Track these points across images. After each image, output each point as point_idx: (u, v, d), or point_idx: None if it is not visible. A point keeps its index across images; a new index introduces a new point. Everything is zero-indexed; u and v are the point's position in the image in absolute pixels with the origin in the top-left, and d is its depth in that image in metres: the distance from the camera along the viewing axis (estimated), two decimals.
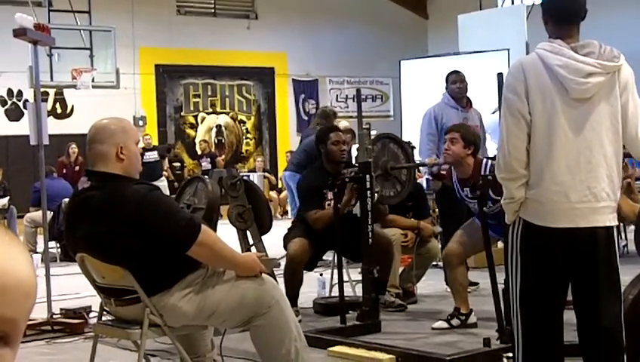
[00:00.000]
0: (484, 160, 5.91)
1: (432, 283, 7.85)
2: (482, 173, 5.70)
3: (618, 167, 3.48)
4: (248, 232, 6.60)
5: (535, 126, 3.41)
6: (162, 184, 16.45)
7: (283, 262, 6.48)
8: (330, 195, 6.53)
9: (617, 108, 3.43)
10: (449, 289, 7.59)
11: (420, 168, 9.89)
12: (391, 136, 6.65)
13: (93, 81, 15.29)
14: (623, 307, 3.56)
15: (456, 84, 7.76)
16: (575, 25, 3.48)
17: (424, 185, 9.72)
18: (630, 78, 3.48)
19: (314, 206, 6.57)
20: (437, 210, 8.37)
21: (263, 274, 3.94)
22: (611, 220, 3.46)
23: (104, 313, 4.15)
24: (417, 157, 8.64)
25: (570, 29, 3.46)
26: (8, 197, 14.26)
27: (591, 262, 3.45)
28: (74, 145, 15.81)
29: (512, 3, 17.28)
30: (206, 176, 6.60)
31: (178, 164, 18.88)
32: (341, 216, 6.25)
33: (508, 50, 13.89)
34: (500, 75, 5.01)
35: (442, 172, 6.18)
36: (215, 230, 5.30)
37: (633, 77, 3.51)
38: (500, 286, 4.95)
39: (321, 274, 7.55)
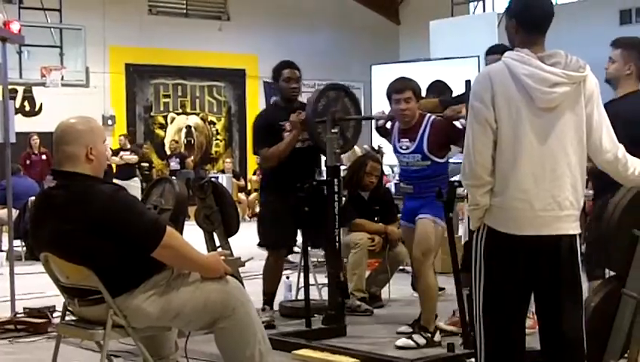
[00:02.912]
0: (427, 114, 5.84)
1: (399, 288, 7.87)
2: (423, 126, 5.74)
3: (582, 176, 3.51)
4: (215, 234, 6.59)
5: (501, 134, 3.44)
6: (136, 184, 16.37)
7: (248, 264, 6.47)
8: (288, 125, 6.45)
9: (582, 118, 3.46)
10: (415, 294, 7.63)
11: (387, 172, 9.93)
12: (346, 90, 6.58)
13: (62, 79, 15.21)
14: (584, 315, 3.60)
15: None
16: (542, 34, 3.51)
17: (392, 189, 9.76)
18: (595, 88, 3.52)
19: (267, 143, 6.49)
20: None
21: (229, 277, 3.95)
22: (574, 228, 3.50)
23: (68, 313, 4.12)
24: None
25: (538, 38, 3.49)
26: None
27: (554, 269, 3.48)
28: (35, 136, 15.67)
29: (484, 10, 17.40)
30: (174, 178, 6.59)
31: (146, 165, 18.72)
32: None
33: (478, 57, 13.97)
34: (467, 81, 5.06)
35: (387, 127, 6.18)
36: (182, 231, 5.30)
37: (598, 87, 3.56)
38: (465, 292, 4.98)
39: (287, 277, 7.55)
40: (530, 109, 3.42)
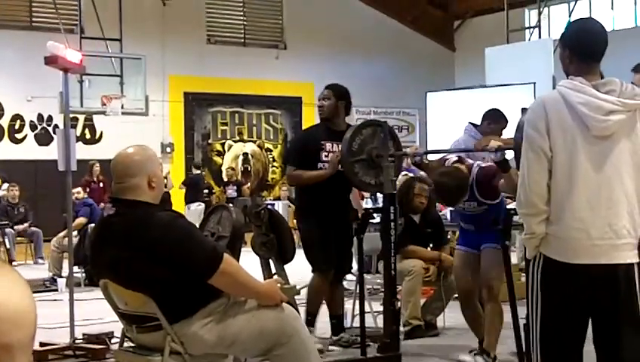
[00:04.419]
0: (475, 163, 5.92)
1: (454, 316, 7.81)
2: (472, 177, 5.80)
3: (639, 203, 3.48)
4: (271, 261, 6.62)
5: (556, 162, 3.43)
6: (200, 208, 16.60)
7: (304, 291, 6.50)
8: (328, 146, 6.58)
9: (638, 146, 3.44)
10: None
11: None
12: (382, 125, 6.37)
13: (122, 107, 15.45)
14: None
15: (490, 125, 7.56)
16: (596, 62, 3.50)
17: (447, 216, 9.72)
18: None
19: (297, 160, 6.70)
20: None
21: (284, 304, 3.97)
22: (632, 257, 3.46)
23: (126, 339, 4.17)
24: None
25: (593, 67, 3.49)
26: (29, 222, 14.42)
27: (611, 298, 3.45)
28: (97, 164, 15.92)
29: (540, 37, 17.30)
30: (231, 205, 6.64)
31: (206, 191, 18.96)
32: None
33: (534, 83, 13.90)
34: (524, 109, 5.04)
35: (425, 161, 6.23)
36: (238, 258, 5.34)
37: None
38: (522, 321, 4.94)
39: None
40: (585, 137, 3.41)
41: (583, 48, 3.52)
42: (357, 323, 6.68)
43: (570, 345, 3.53)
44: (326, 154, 6.58)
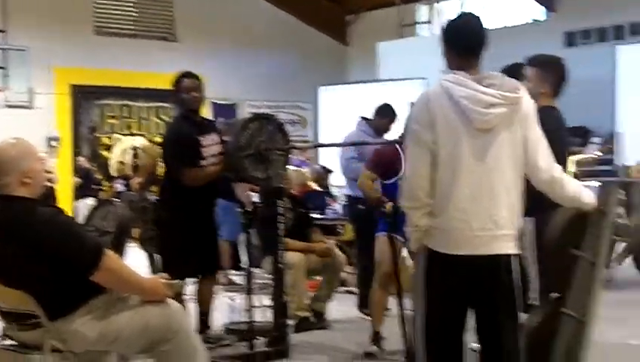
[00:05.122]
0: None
1: (343, 309, 7.86)
2: None
3: (519, 195, 3.56)
4: (157, 256, 6.54)
5: (440, 155, 3.48)
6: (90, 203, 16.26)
7: (190, 287, 6.42)
8: (203, 141, 6.30)
9: (518, 139, 3.52)
10: (362, 316, 7.60)
11: (335, 195, 9.96)
12: (270, 118, 6.33)
13: (6, 100, 15.06)
14: (524, 334, 3.64)
15: (381, 120, 7.63)
16: (475, 57, 3.56)
17: (340, 210, 9.79)
18: (531, 109, 3.58)
19: (188, 159, 6.25)
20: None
21: (170, 300, 3.93)
22: (511, 248, 3.54)
23: (6, 337, 4.05)
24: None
25: (472, 61, 3.54)
26: None
27: (492, 289, 3.53)
28: None
29: (431, 33, 17.57)
30: (117, 200, 6.54)
31: (96, 186, 18.56)
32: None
33: (426, 79, 14.07)
34: (411, 103, 5.10)
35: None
36: (123, 254, 5.25)
37: (534, 108, 3.62)
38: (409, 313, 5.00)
39: (232, 299, 7.50)
40: (468, 130, 3.46)
41: (460, 42, 3.58)
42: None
43: (452, 335, 3.60)
44: (205, 149, 6.32)
